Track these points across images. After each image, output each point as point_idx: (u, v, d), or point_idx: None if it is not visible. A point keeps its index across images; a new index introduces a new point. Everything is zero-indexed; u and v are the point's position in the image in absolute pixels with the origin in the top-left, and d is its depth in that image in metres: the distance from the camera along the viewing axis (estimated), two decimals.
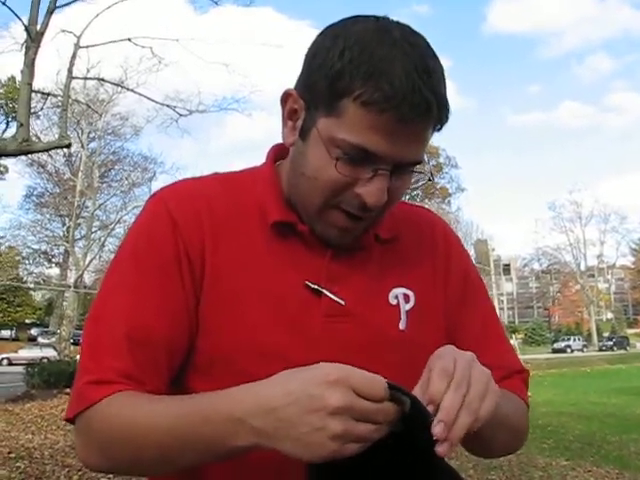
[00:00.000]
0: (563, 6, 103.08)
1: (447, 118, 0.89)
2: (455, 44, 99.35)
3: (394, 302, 0.98)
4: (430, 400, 0.73)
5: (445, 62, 0.89)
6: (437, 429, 0.70)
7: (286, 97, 0.94)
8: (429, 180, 1.03)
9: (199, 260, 0.93)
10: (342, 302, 0.94)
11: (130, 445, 0.82)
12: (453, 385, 0.73)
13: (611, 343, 50.89)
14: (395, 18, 0.91)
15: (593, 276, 64.75)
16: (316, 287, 0.94)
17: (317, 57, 0.90)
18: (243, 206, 0.98)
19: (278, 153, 1.04)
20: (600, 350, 49.23)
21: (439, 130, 0.91)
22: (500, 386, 0.80)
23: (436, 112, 0.86)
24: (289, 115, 0.94)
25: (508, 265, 44.56)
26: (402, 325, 0.97)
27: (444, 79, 0.88)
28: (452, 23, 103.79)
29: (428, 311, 1.01)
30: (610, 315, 68.98)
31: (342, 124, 0.86)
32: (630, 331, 61.20)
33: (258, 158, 1.08)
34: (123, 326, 0.88)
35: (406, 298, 0.99)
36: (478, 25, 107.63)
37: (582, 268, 59.85)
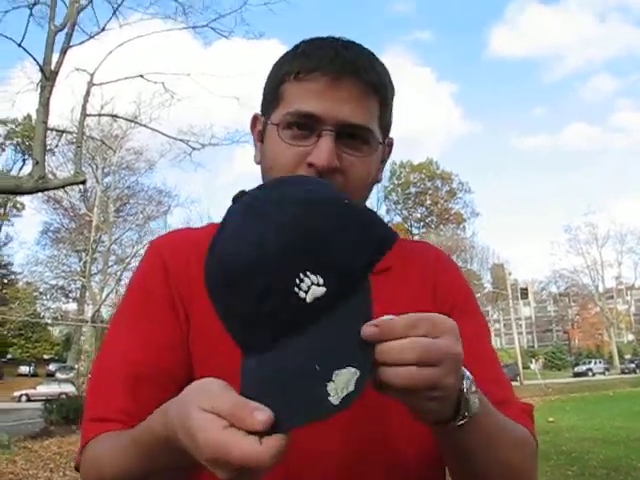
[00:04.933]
0: (563, 29, 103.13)
1: (385, 88, 0.98)
2: (459, 70, 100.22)
3: None
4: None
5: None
6: (368, 329, 0.67)
7: (254, 120, 1.06)
8: (380, 144, 1.00)
9: (187, 305, 0.99)
10: None
11: (104, 473, 0.84)
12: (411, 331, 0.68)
13: (633, 365, 50.10)
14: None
15: (612, 298, 64.03)
16: None
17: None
18: None
19: None
20: (622, 373, 48.55)
21: (385, 105, 0.99)
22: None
23: (365, 76, 0.94)
24: (258, 137, 1.05)
25: (525, 289, 44.05)
26: None
27: (380, 64, 0.99)
28: (454, 49, 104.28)
29: None
30: (631, 337, 68.09)
31: (285, 104, 0.97)
32: None
33: None
34: (123, 364, 0.93)
35: None
36: (480, 51, 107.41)
37: (600, 290, 59.20)
